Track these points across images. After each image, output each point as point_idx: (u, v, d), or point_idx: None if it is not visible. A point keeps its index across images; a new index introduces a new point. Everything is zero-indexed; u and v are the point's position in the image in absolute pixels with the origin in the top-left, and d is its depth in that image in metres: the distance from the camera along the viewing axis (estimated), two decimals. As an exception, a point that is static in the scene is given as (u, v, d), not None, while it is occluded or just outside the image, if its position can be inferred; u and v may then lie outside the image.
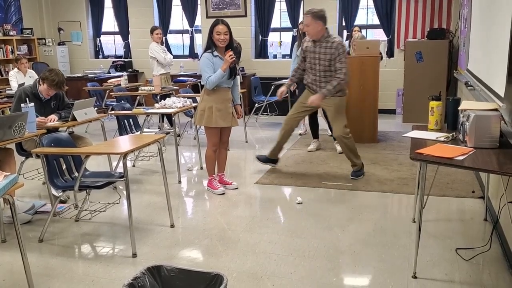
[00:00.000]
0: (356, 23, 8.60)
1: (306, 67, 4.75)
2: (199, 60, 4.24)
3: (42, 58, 9.79)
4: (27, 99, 3.93)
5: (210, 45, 4.18)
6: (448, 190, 4.31)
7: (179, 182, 4.82)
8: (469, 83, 4.77)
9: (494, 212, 3.47)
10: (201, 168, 5.32)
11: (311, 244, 3.30)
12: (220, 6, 9.07)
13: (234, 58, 4.10)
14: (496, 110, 2.93)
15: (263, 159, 5.09)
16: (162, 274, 2.01)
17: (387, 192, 4.36)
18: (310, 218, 3.81)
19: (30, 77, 6.93)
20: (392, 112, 8.51)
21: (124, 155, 3.09)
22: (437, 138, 3.08)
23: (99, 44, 10.36)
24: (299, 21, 7.80)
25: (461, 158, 2.61)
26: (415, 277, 2.81)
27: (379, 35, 8.63)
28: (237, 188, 4.53)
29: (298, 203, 4.10)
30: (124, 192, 4.23)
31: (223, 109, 4.24)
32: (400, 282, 2.76)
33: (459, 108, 3.16)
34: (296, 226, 3.66)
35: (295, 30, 8.65)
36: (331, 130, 5.53)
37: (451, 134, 3.11)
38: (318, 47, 4.56)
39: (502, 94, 2.87)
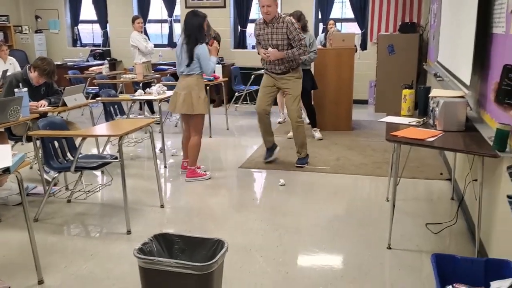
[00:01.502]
0: (331, 16, 8.87)
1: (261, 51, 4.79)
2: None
3: (19, 46, 9.72)
4: (20, 84, 4.04)
5: (203, 37, 4.42)
6: (418, 172, 4.64)
7: (165, 166, 5.00)
8: (438, 74, 5.09)
9: (460, 191, 3.80)
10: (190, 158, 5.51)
11: (294, 221, 3.56)
12: (199, -3, 9.19)
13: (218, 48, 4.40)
14: (462, 97, 3.24)
15: (267, 156, 5.08)
16: (167, 240, 2.22)
17: (362, 174, 4.66)
18: (293, 198, 4.07)
19: (10, 64, 6.92)
20: (365, 102, 8.84)
21: (120, 137, 3.26)
22: (409, 122, 3.37)
23: (77, 33, 10.33)
24: (281, 12, 7.99)
25: (431, 139, 2.90)
26: (390, 248, 3.10)
27: (353, 28, 8.92)
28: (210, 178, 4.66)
29: (281, 185, 4.35)
30: (112, 176, 4.41)
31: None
32: (376, 253, 3.05)
33: (429, 96, 3.45)
34: (279, 205, 3.91)
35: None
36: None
37: (422, 119, 3.40)
38: (270, 27, 4.64)
39: (468, 82, 3.18)
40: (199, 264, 1.93)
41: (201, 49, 4.35)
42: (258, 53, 4.85)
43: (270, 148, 5.06)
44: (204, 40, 4.40)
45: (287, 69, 4.73)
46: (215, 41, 4.41)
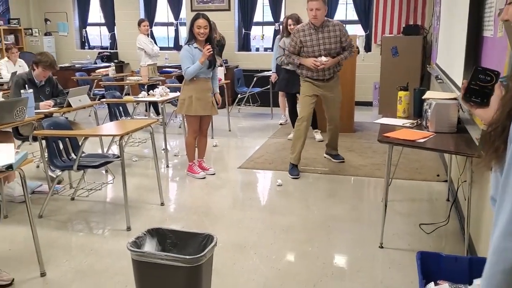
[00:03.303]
0: (335, 18, 8.94)
1: (303, 57, 4.64)
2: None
3: (28, 48, 9.91)
4: (26, 85, 4.17)
5: (191, 37, 4.44)
6: (416, 174, 4.70)
7: (167, 166, 5.11)
8: (438, 77, 5.15)
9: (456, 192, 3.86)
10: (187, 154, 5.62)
11: (289, 220, 3.64)
12: (204, 0, 9.31)
13: (211, 52, 4.32)
14: (455, 99, 3.30)
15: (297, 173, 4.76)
16: (159, 235, 2.31)
17: (360, 176, 4.73)
18: (289, 198, 4.15)
19: (20, 66, 7.12)
20: (369, 104, 8.90)
21: (121, 137, 3.37)
22: (403, 124, 3.44)
23: (85, 35, 10.50)
24: (284, 16, 8.09)
25: (422, 140, 2.97)
26: (382, 247, 3.17)
27: (358, 30, 8.98)
28: (214, 174, 4.78)
29: (278, 185, 4.43)
30: (115, 175, 4.52)
31: (203, 98, 4.49)
32: (368, 251, 3.12)
33: (423, 97, 3.52)
34: (276, 205, 4.00)
35: (277, 24, 8.96)
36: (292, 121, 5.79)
37: (416, 121, 3.47)
38: (321, 32, 4.54)
39: (460, 84, 3.24)
40: (188, 257, 2.03)
41: (181, 51, 4.46)
42: (290, 63, 4.80)
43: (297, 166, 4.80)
44: (189, 42, 4.43)
45: (334, 74, 4.73)
46: (209, 45, 4.38)
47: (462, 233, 3.35)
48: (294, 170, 4.71)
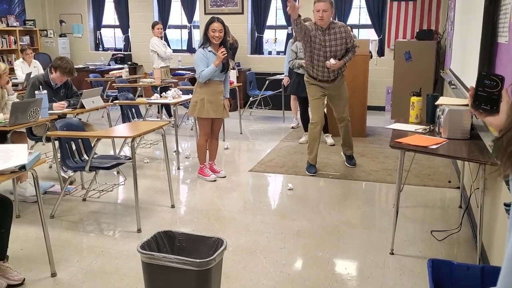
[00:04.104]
0: (348, 22, 8.91)
1: (311, 59, 4.65)
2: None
3: (43, 49, 10.03)
4: (40, 86, 4.22)
5: (205, 41, 4.46)
6: (429, 180, 4.66)
7: (178, 168, 5.13)
8: (452, 82, 5.10)
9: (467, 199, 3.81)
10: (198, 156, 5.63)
11: (300, 224, 3.63)
12: (218, 3, 9.35)
13: (225, 55, 4.37)
14: (468, 105, 3.27)
15: (313, 171, 4.88)
16: (170, 237, 2.32)
17: (372, 181, 4.70)
18: (300, 202, 4.14)
19: (34, 67, 7.21)
20: (381, 109, 8.85)
21: (133, 139, 3.39)
22: (415, 130, 3.41)
23: (99, 37, 10.60)
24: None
25: (434, 147, 2.95)
26: (392, 254, 3.14)
27: (371, 34, 8.95)
28: (225, 177, 4.78)
29: (289, 189, 4.42)
30: (126, 176, 4.55)
31: (215, 101, 4.51)
32: (379, 257, 3.10)
33: (436, 103, 3.49)
34: (286, 209, 3.99)
35: (290, 27, 8.95)
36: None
37: (428, 127, 3.44)
38: (327, 34, 4.56)
39: (473, 91, 3.21)
40: (197, 260, 2.03)
41: (196, 54, 4.50)
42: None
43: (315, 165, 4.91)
44: (203, 45, 4.46)
45: (338, 74, 4.76)
46: (223, 48, 4.42)
47: (475, 241, 3.31)
48: (312, 168, 4.85)
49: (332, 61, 4.54)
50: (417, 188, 4.43)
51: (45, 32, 10.25)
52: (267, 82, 7.80)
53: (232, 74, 6.47)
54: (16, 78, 7.03)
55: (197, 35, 9.79)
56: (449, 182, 4.55)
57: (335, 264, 3.04)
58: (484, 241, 2.98)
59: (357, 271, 2.96)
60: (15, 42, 9.41)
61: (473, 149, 2.90)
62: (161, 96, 5.50)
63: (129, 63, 9.82)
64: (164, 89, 6.59)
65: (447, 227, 3.55)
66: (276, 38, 9.54)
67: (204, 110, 4.47)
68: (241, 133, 6.89)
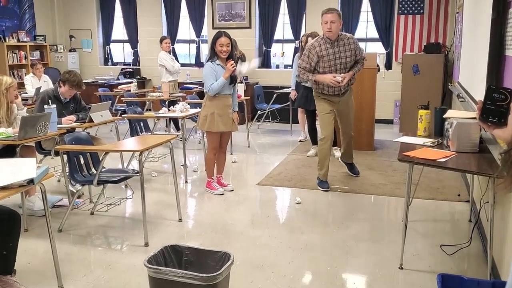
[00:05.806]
0: (356, 36, 8.94)
1: (320, 72, 4.60)
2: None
3: (53, 64, 10.16)
4: (49, 101, 4.26)
5: (213, 55, 4.50)
6: (438, 194, 4.61)
7: (186, 182, 5.13)
8: (460, 95, 5.08)
9: (477, 213, 3.77)
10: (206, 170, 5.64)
11: (308, 239, 3.60)
12: (226, 18, 9.43)
13: (235, 67, 4.41)
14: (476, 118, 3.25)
15: (325, 186, 4.82)
16: (177, 252, 2.31)
17: (380, 195, 4.66)
18: (308, 216, 4.11)
19: (44, 82, 7.28)
20: (389, 122, 8.82)
21: (140, 152, 3.40)
22: (424, 143, 3.39)
23: (108, 52, 10.72)
24: (302, 34, 8.16)
25: (443, 160, 2.93)
26: (402, 268, 3.10)
27: (378, 48, 8.96)
28: (233, 190, 4.77)
29: (297, 203, 4.40)
30: (134, 190, 4.56)
31: (224, 114, 4.53)
32: (388, 272, 3.06)
33: (444, 116, 3.47)
34: (294, 223, 3.96)
35: (297, 41, 9.00)
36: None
37: (436, 140, 3.42)
38: (336, 46, 4.54)
39: (482, 104, 3.19)
40: (204, 275, 2.02)
41: (204, 68, 4.51)
42: (303, 80, 4.86)
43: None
44: (211, 59, 4.48)
45: (348, 87, 4.77)
46: (232, 61, 4.45)
47: (485, 255, 3.26)
48: (324, 183, 4.81)
49: (338, 78, 4.49)
50: (426, 202, 4.39)
51: (55, 47, 10.39)
52: (274, 95, 7.82)
53: (240, 88, 6.50)
54: (26, 93, 7.11)
55: (205, 50, 9.86)
56: (459, 195, 4.51)
57: (344, 279, 3.01)
58: (494, 256, 2.93)
59: (366, 285, 2.93)
60: (26, 57, 9.54)
61: (482, 162, 2.88)
62: (169, 110, 5.53)
63: (137, 77, 9.90)
64: (172, 103, 6.62)
65: (457, 241, 3.51)
66: (283, 52, 9.60)
67: (214, 124, 4.49)
68: (248, 147, 6.89)
